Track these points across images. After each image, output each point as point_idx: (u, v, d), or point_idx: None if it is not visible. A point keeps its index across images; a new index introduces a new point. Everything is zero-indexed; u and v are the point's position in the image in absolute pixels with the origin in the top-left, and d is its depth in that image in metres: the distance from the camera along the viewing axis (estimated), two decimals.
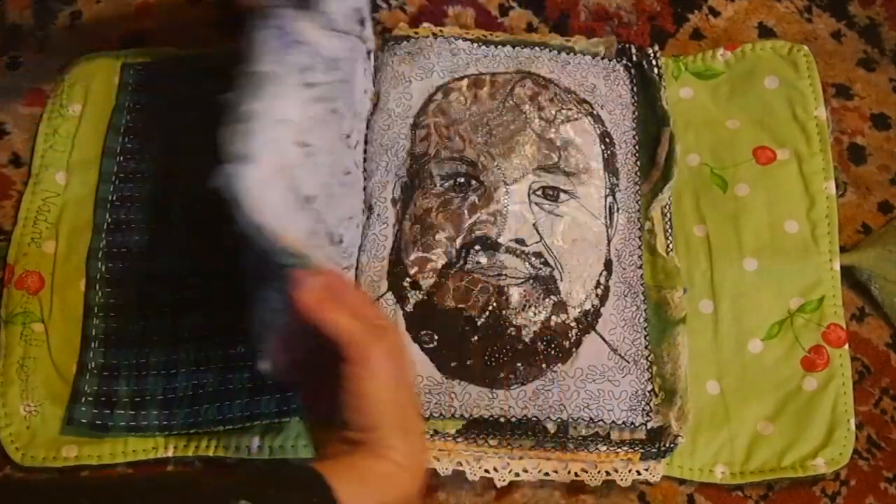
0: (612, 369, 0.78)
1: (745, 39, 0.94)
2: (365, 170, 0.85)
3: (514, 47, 0.88)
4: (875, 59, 0.94)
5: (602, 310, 0.80)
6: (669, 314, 0.81)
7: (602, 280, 0.80)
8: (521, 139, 0.82)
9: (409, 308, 0.80)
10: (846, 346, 0.82)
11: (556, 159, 0.82)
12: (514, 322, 0.78)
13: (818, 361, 0.81)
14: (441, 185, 0.82)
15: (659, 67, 0.89)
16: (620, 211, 0.83)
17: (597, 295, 0.80)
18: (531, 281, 0.79)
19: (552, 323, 0.78)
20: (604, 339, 0.79)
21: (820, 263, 0.84)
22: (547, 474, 0.78)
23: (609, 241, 0.82)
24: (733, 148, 0.88)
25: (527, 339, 0.78)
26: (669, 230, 0.85)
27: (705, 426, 0.80)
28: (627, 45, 0.90)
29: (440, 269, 0.80)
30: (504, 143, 0.82)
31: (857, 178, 0.89)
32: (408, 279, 0.80)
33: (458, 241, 0.80)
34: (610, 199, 0.83)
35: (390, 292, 0.81)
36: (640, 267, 0.82)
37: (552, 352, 0.78)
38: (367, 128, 0.87)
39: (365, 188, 0.84)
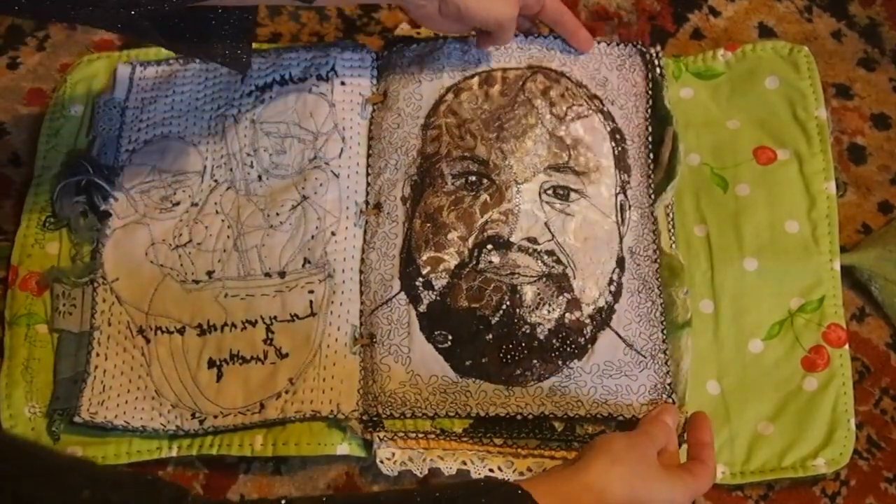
0: (629, 364, 0.78)
1: (746, 39, 0.94)
2: (369, 165, 0.86)
3: (525, 36, 0.87)
4: (875, 59, 0.94)
5: (616, 306, 0.79)
6: (675, 316, 0.81)
7: (615, 277, 0.80)
8: (532, 137, 0.82)
9: (423, 308, 0.79)
10: (846, 346, 0.82)
11: (567, 159, 0.82)
12: (528, 320, 0.78)
13: (818, 361, 0.82)
14: (452, 184, 0.82)
15: (661, 67, 0.88)
16: (633, 208, 0.83)
17: (610, 292, 0.79)
18: (544, 279, 0.79)
19: (566, 320, 0.78)
20: (619, 335, 0.79)
21: (820, 263, 0.84)
22: None
23: (621, 238, 0.81)
24: (734, 148, 0.88)
25: (541, 337, 0.77)
26: (672, 229, 0.85)
27: None
28: (631, 44, 0.89)
29: (453, 269, 0.79)
30: (515, 140, 0.82)
31: (857, 178, 0.89)
32: (420, 279, 0.80)
33: (471, 240, 0.80)
34: (621, 197, 0.82)
35: (403, 292, 0.80)
36: (656, 261, 0.82)
37: (568, 348, 0.78)
38: (373, 124, 0.87)
39: (371, 185, 0.85)
